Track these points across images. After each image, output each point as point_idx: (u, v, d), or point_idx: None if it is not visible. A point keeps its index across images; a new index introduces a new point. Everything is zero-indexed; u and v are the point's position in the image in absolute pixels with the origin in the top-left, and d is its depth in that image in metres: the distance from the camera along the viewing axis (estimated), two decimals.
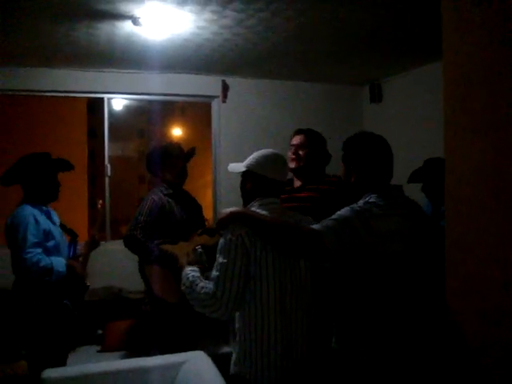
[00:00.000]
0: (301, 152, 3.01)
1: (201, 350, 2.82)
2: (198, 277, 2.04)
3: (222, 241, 2.00)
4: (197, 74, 5.36)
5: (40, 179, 3.15)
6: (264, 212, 2.04)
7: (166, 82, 5.34)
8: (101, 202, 3.83)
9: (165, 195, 3.39)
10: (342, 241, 1.83)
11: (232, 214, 2.00)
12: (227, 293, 1.92)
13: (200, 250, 2.24)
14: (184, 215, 3.42)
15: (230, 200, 4.61)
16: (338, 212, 1.94)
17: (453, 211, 1.70)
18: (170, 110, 7.33)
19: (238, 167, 2.18)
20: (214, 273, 1.97)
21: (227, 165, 2.29)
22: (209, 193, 5.75)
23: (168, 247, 3.18)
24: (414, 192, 2.82)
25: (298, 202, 2.86)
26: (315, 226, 1.91)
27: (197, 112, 5.18)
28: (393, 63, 5.06)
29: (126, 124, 6.10)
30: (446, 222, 1.73)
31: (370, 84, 5.80)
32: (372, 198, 1.97)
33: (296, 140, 3.09)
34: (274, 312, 1.96)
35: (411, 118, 5.20)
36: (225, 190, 5.37)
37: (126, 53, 4.51)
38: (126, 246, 3.25)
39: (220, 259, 1.97)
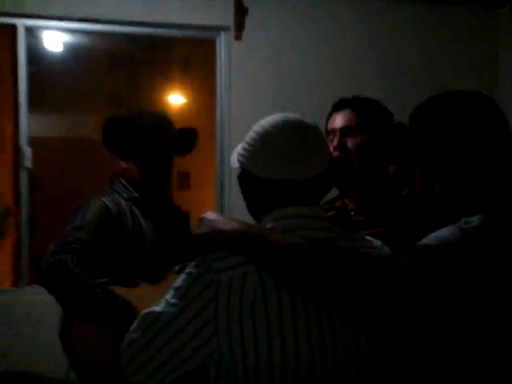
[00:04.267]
0: (350, 143, 2.09)
1: None
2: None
3: (185, 273, 1.27)
4: None
5: None
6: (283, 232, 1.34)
7: (137, 1, 3.76)
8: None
9: (126, 200, 2.43)
10: (442, 283, 1.24)
11: (220, 232, 1.23)
12: (146, 362, 1.21)
13: None
14: (157, 238, 2.50)
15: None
16: (435, 234, 1.28)
17: None
18: (164, 63, 5.59)
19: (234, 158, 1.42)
20: (150, 314, 1.26)
21: (240, 140, 1.46)
22: None
23: (121, 291, 2.25)
24: None
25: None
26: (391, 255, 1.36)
27: (210, 67, 3.41)
28: None
29: (86, 84, 4.33)
30: None
31: None
32: (476, 222, 1.30)
33: (339, 121, 2.11)
34: None
35: None
36: (237, 183, 3.91)
37: None
38: (40, 281, 2.17)
39: (168, 300, 1.25)
